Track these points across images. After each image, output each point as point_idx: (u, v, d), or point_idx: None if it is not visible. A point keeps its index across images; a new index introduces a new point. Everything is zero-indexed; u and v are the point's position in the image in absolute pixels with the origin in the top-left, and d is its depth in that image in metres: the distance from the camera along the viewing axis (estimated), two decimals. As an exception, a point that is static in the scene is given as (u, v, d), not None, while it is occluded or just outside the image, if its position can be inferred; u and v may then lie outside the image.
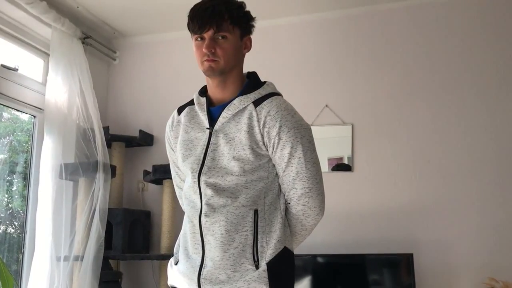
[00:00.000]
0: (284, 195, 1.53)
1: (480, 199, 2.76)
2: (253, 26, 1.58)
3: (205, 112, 1.55)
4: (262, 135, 1.48)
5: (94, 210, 2.86)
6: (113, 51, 3.58)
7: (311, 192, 1.49)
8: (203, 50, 1.48)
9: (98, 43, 3.39)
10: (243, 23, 1.54)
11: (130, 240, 3.09)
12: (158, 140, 3.37)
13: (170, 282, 1.58)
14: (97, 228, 2.84)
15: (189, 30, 1.53)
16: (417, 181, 2.88)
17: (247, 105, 1.51)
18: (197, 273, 1.44)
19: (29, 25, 2.94)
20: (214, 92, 1.57)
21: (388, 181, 2.92)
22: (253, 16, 1.58)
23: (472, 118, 2.85)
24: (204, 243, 1.46)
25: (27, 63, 3.02)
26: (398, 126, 2.95)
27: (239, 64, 1.57)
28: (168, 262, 3.13)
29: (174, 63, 3.46)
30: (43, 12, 2.80)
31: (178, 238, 1.62)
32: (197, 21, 1.48)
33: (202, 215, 1.46)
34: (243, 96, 1.53)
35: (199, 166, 1.50)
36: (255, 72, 1.63)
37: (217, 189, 1.47)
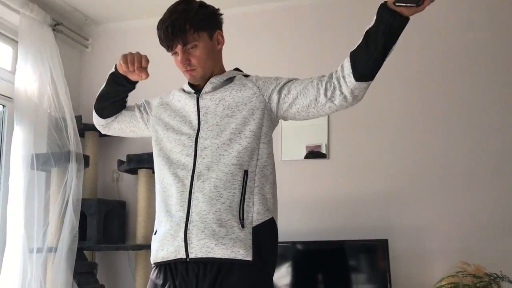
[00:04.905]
0: (320, 104, 1.49)
1: (453, 186, 2.81)
2: (219, 20, 1.62)
3: (190, 88, 1.64)
4: (258, 87, 1.56)
5: (67, 201, 2.82)
6: (85, 39, 3.50)
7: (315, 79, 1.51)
8: (179, 64, 1.57)
9: (70, 30, 3.31)
10: (207, 24, 1.57)
11: (105, 231, 3.05)
12: (132, 129, 3.32)
13: (152, 257, 1.57)
14: (71, 219, 2.80)
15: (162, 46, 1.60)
16: (391, 168, 2.91)
17: (236, 75, 1.63)
18: (183, 229, 1.47)
19: (-4, 11, 2.85)
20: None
21: (363, 169, 2.95)
22: (217, 9, 1.61)
23: (446, 106, 2.89)
24: (191, 199, 1.49)
25: (-5, 51, 2.94)
26: (373, 114, 2.98)
27: (218, 61, 1.64)
28: (144, 252, 3.12)
29: (147, 50, 3.37)
30: (10, -2, 2.72)
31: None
32: (164, 40, 1.55)
33: (196, 174, 1.50)
34: (230, 71, 1.66)
35: (196, 131, 1.55)
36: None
37: (212, 149, 1.51)
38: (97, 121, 1.82)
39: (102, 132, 1.87)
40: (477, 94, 2.86)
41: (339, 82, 1.45)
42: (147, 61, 1.61)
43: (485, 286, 2.35)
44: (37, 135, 2.83)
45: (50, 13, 3.08)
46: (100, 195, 3.28)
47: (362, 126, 3.00)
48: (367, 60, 1.38)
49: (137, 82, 1.69)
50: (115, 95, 1.71)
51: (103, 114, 1.77)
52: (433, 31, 2.96)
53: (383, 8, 1.32)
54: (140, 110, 1.75)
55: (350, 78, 1.42)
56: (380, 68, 1.40)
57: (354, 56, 1.41)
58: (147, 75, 1.61)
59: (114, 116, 1.77)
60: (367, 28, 1.38)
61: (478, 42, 2.90)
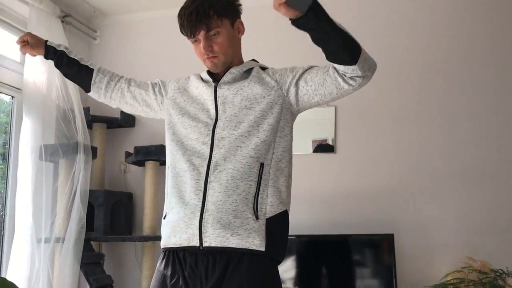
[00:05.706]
0: (343, 90, 1.49)
1: (459, 181, 2.80)
2: (239, 9, 1.63)
3: (208, 76, 1.64)
4: (276, 80, 1.57)
5: (75, 191, 2.84)
6: (93, 31, 3.51)
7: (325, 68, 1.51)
8: (201, 50, 1.55)
9: (78, 22, 3.32)
10: (230, 11, 1.58)
11: (112, 222, 3.07)
12: (139, 121, 3.34)
13: (162, 242, 1.59)
14: (78, 210, 2.82)
15: (183, 34, 1.58)
16: (398, 163, 2.90)
17: (253, 67, 1.63)
18: (198, 217, 1.48)
19: (5, 3, 2.85)
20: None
21: (370, 163, 2.95)
22: None
23: (453, 101, 2.88)
24: (207, 189, 1.50)
25: (4, 42, 2.95)
26: (381, 109, 2.97)
27: (238, 50, 1.65)
28: (150, 243, 3.13)
29: (155, 43, 3.41)
30: (20, -11, 2.73)
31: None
32: (187, 27, 1.53)
33: (212, 164, 1.51)
34: (248, 61, 1.66)
35: (213, 120, 1.56)
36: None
37: (229, 140, 1.52)
38: (96, 98, 1.86)
39: (113, 107, 1.88)
40: (482, 88, 2.84)
41: (346, 76, 1.45)
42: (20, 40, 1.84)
43: (490, 282, 2.34)
44: (45, 126, 2.85)
45: (59, 4, 3.09)
46: (107, 186, 3.30)
47: (369, 121, 2.99)
48: (341, 46, 1.38)
49: (47, 56, 1.84)
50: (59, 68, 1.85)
51: (84, 88, 1.84)
52: (437, 30, 2.94)
53: (293, 23, 1.36)
54: (154, 91, 1.74)
55: (350, 68, 1.41)
56: (350, 35, 1.40)
57: (331, 58, 1.42)
58: (23, 50, 1.88)
59: (103, 89, 1.80)
60: (313, 42, 1.42)
61: (480, 43, 2.88)
